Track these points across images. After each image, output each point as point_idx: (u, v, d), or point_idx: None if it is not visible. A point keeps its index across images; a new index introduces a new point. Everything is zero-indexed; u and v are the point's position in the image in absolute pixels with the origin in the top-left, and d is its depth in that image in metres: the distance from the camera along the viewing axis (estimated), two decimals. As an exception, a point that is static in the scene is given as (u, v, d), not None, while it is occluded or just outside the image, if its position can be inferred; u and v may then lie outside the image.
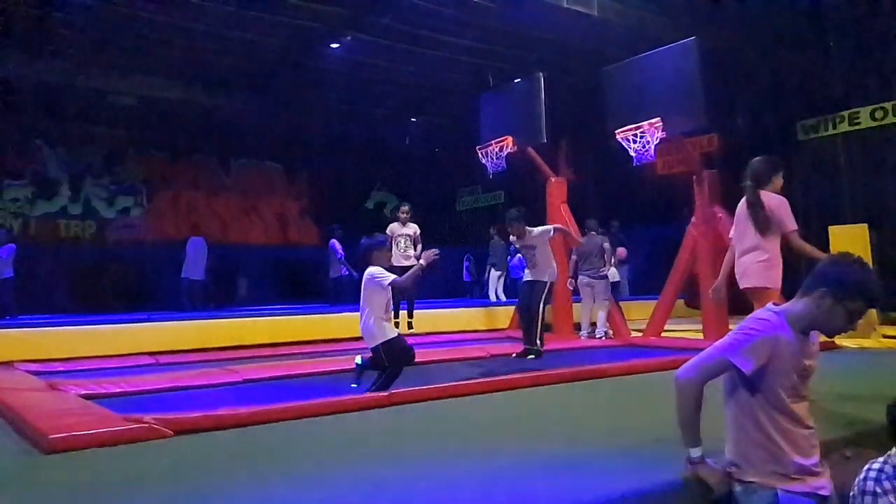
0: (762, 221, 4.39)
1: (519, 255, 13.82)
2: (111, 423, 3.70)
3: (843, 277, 2.33)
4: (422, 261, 5.32)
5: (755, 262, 4.42)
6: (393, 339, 5.15)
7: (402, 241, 8.76)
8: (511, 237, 6.59)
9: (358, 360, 5.29)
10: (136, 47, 11.85)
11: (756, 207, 4.43)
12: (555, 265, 6.55)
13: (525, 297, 6.55)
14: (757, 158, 4.59)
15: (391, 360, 5.16)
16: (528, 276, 6.67)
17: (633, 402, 4.48)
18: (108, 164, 16.22)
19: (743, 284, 4.50)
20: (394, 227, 8.90)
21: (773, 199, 4.41)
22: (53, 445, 3.33)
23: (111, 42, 11.62)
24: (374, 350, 5.17)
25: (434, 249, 5.38)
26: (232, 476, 2.86)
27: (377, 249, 5.34)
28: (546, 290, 6.33)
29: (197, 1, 10.26)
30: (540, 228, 6.59)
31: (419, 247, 8.70)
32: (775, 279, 4.40)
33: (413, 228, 8.83)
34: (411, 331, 8.58)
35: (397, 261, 8.36)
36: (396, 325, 8.03)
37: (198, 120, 15.12)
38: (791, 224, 4.37)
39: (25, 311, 10.96)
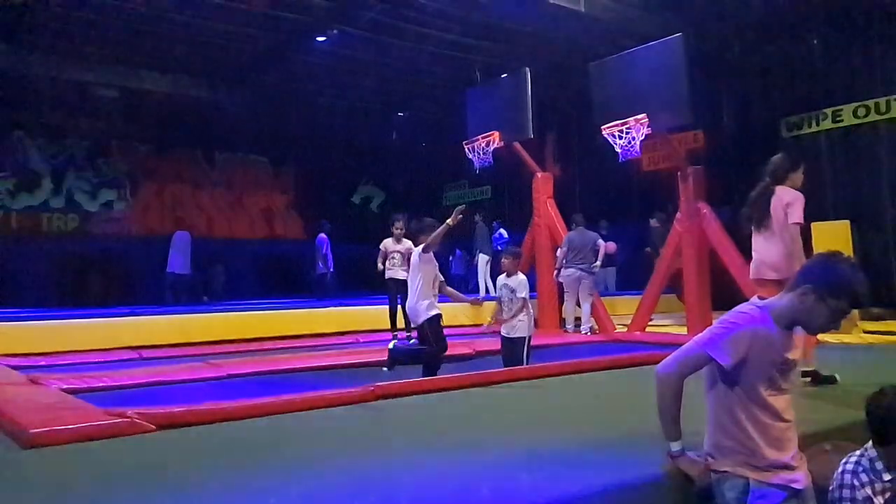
0: (762, 216, 4.56)
1: (502, 230, 13.92)
2: (93, 417, 3.67)
3: (828, 276, 2.32)
4: (449, 220, 5.45)
5: (775, 254, 4.53)
6: (436, 315, 5.43)
7: (397, 258, 8.22)
8: (501, 273, 6.39)
9: (391, 345, 5.43)
10: (120, 38, 11.73)
11: (760, 202, 4.58)
12: (531, 314, 6.26)
13: (509, 355, 6.26)
14: (777, 155, 4.76)
15: (436, 338, 5.39)
16: (506, 331, 6.27)
17: (616, 397, 4.50)
18: (91, 156, 16.03)
19: (764, 276, 4.58)
20: (387, 244, 8.34)
21: (789, 194, 4.57)
22: (34, 440, 3.29)
23: (94, 33, 11.48)
24: (419, 328, 5.44)
25: (461, 206, 5.51)
26: (215, 471, 2.84)
27: (424, 232, 5.68)
28: (526, 345, 6.20)
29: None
30: (523, 279, 6.22)
31: None
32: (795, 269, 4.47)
33: (406, 245, 7.97)
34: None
35: (392, 273, 8.19)
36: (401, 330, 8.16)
37: (182, 112, 14.97)
38: (797, 217, 4.51)
39: (6, 304, 10.84)
